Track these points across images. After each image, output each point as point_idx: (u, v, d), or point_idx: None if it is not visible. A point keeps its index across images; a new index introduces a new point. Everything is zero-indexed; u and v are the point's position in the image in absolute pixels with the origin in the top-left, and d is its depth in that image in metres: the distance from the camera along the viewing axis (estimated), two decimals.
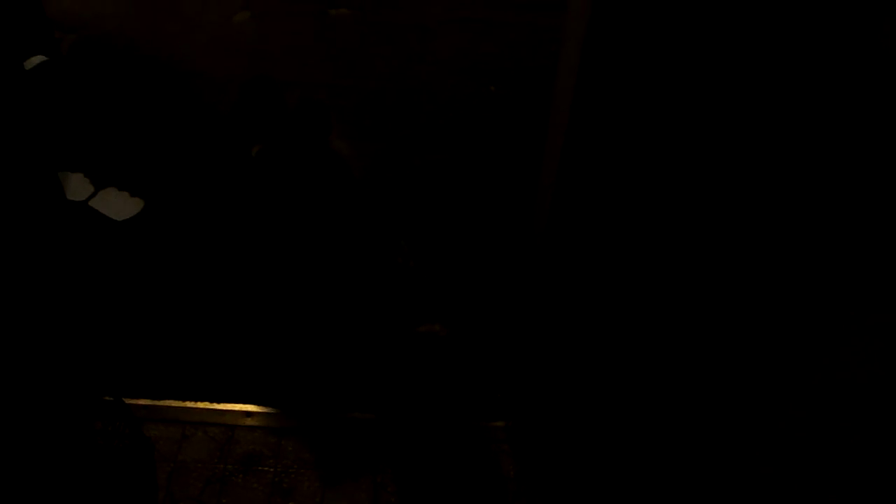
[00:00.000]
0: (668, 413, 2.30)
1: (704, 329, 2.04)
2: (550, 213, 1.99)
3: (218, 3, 4.33)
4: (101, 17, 4.29)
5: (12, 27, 3.54)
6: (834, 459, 1.61)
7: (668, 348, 2.17)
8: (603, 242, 2.01)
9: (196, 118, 3.88)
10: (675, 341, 2.14)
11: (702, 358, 2.09)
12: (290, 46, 4.23)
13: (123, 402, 2.52)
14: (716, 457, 2.16)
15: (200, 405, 2.84)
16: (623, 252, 2.01)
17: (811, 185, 1.55)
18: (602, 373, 2.36)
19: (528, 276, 2.31)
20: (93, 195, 3.50)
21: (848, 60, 1.40)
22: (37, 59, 3.58)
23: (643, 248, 1.98)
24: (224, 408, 2.84)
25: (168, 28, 4.26)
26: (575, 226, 1.99)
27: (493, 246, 3.43)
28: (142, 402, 2.84)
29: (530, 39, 4.35)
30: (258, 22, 4.35)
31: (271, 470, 2.69)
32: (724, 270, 1.89)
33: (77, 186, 3.52)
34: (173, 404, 2.84)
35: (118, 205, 3.47)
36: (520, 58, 4.26)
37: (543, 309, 2.29)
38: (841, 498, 1.59)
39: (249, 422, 2.81)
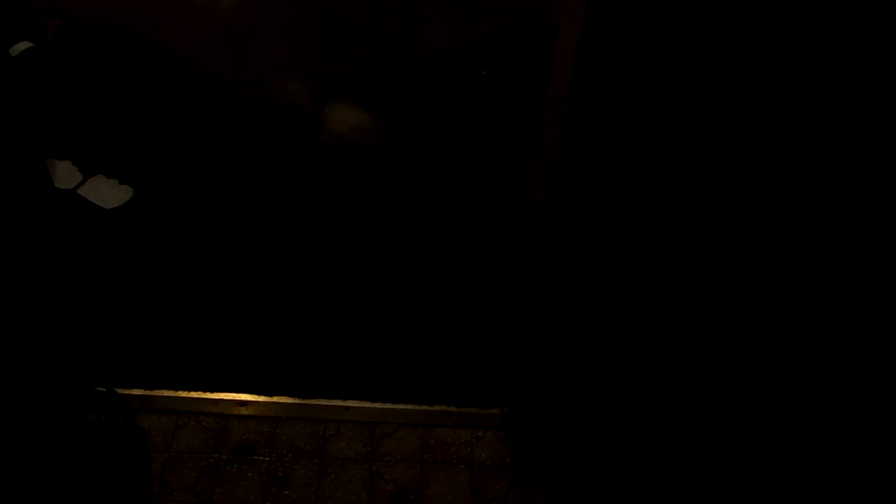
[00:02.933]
0: (661, 402, 2.30)
1: (696, 326, 2.03)
2: (547, 202, 1.97)
3: None
4: (87, 2, 4.23)
5: None
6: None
7: (662, 340, 2.16)
8: (600, 235, 1.99)
9: (184, 104, 3.84)
10: (668, 334, 2.13)
11: (694, 353, 2.08)
12: (278, 31, 4.20)
13: (116, 393, 2.51)
14: (707, 444, 2.16)
15: (194, 395, 2.82)
16: (620, 243, 2.00)
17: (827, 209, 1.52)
18: (596, 360, 2.35)
19: (523, 267, 2.30)
20: (81, 183, 3.46)
21: (851, 61, 1.37)
22: (22, 46, 3.53)
23: (642, 242, 1.96)
24: (217, 397, 2.82)
25: (155, 12, 4.22)
26: (572, 217, 1.97)
27: (487, 233, 3.41)
28: (135, 392, 2.81)
29: (522, 23, 4.33)
30: (246, 6, 4.31)
31: (266, 459, 2.68)
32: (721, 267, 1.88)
33: (65, 174, 3.47)
34: (166, 394, 2.82)
35: (107, 193, 3.43)
36: (512, 42, 4.23)
37: (538, 300, 2.28)
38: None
39: (243, 411, 2.79)
